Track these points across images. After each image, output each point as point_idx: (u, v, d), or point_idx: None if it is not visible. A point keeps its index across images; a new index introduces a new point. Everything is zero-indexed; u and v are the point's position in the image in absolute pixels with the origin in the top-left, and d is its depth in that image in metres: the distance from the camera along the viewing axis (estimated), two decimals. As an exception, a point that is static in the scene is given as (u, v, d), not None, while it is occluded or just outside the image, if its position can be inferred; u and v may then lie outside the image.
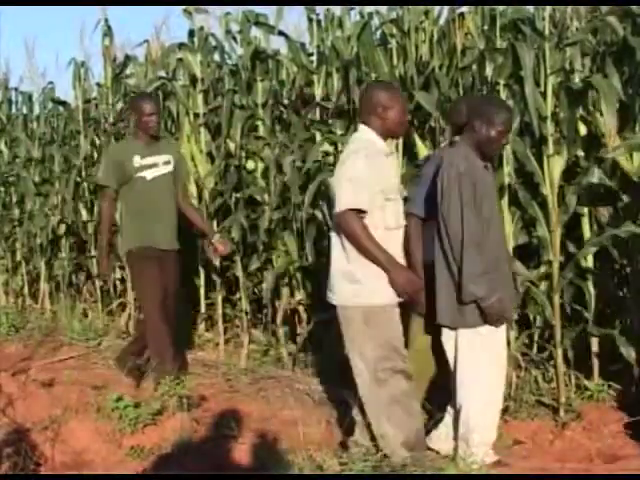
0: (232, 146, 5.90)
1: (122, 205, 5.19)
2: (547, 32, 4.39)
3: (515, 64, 4.50)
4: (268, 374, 5.39)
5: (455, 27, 4.81)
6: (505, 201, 4.45)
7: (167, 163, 4.99)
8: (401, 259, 3.60)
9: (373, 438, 3.57)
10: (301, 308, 5.68)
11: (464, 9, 4.93)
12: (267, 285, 5.67)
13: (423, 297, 3.67)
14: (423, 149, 4.73)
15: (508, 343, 3.99)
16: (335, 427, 4.26)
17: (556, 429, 4.15)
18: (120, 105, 7.14)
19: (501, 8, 4.78)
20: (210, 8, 6.04)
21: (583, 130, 4.48)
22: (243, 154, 5.87)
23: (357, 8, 5.45)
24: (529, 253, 4.61)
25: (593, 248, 4.33)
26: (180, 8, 6.05)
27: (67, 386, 5.13)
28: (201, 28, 6.09)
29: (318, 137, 5.45)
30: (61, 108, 7.86)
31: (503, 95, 4.47)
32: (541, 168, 4.42)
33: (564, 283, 4.40)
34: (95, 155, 7.38)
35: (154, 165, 4.93)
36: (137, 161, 4.88)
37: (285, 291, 5.75)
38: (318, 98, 5.47)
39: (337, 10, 5.48)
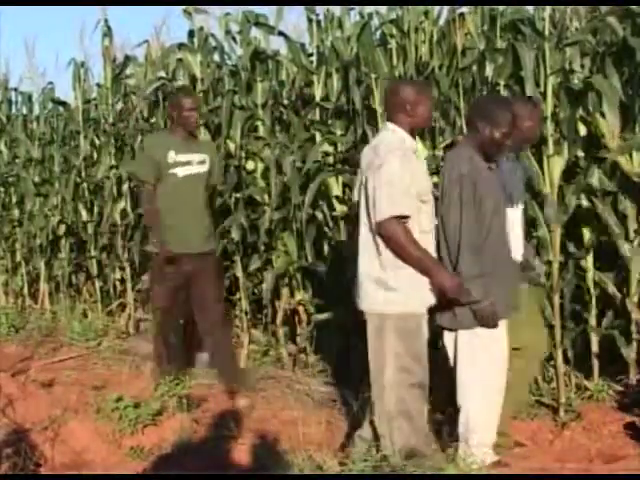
0: (232, 146, 5.89)
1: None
2: (547, 32, 4.39)
3: (515, 64, 4.50)
4: (268, 374, 5.39)
5: (455, 27, 4.81)
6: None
7: (202, 163, 4.82)
8: None
9: (376, 436, 3.56)
10: (301, 308, 5.68)
11: (464, 9, 4.93)
12: (267, 285, 5.66)
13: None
14: (423, 149, 4.73)
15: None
16: (335, 427, 4.26)
17: (556, 429, 4.15)
18: (120, 105, 7.15)
19: (501, 8, 4.78)
20: (210, 8, 6.04)
21: (583, 130, 4.48)
22: (243, 154, 5.86)
23: (357, 8, 5.44)
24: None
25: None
26: (180, 8, 6.05)
27: (67, 386, 5.14)
28: (201, 28, 6.09)
29: (318, 137, 5.45)
30: (61, 108, 7.85)
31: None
32: (541, 168, 4.43)
33: (564, 283, 4.40)
34: (95, 155, 7.39)
35: (188, 163, 4.76)
36: (171, 156, 4.71)
37: (285, 291, 5.75)
38: (318, 98, 5.47)
39: (337, 10, 5.47)
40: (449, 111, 4.79)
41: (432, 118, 3.79)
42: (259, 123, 5.83)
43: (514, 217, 3.81)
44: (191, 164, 4.75)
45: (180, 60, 6.22)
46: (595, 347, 4.48)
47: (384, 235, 3.38)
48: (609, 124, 4.25)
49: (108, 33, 6.89)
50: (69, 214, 7.58)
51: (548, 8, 4.43)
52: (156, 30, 6.55)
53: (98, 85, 7.27)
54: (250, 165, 5.88)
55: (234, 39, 6.08)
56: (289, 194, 5.50)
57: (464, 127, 4.16)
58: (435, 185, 3.76)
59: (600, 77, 4.28)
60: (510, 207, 3.76)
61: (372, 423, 3.58)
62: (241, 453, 3.89)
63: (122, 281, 7.12)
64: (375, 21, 5.42)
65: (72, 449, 3.99)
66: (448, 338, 3.62)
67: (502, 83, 4.56)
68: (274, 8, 5.75)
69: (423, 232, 3.44)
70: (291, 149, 5.55)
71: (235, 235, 5.74)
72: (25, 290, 8.32)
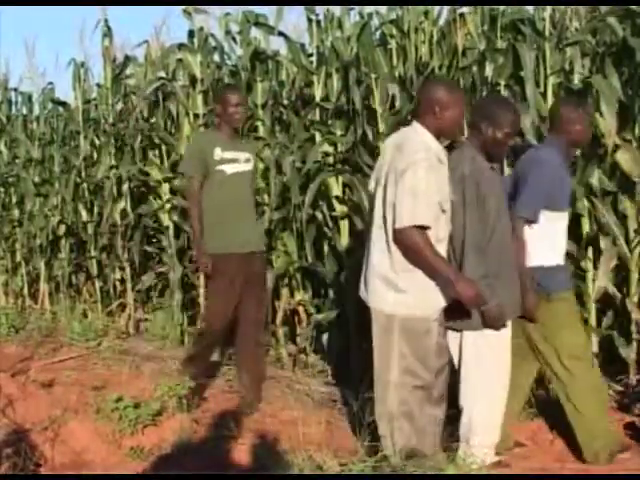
0: (232, 146, 5.89)
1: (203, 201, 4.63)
2: (547, 32, 4.40)
3: (515, 64, 4.51)
4: (268, 374, 5.39)
5: (455, 27, 4.81)
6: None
7: (248, 161, 4.66)
8: None
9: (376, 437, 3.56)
10: (301, 308, 5.68)
11: (464, 9, 4.93)
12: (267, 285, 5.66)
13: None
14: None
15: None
16: (335, 427, 4.27)
17: (556, 429, 4.15)
18: (120, 105, 7.15)
19: (501, 8, 4.79)
20: (210, 8, 6.05)
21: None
22: (243, 154, 5.86)
23: (357, 8, 5.45)
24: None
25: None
26: (180, 8, 6.06)
27: (67, 387, 5.14)
28: (201, 29, 6.09)
29: (318, 138, 5.45)
30: (61, 109, 7.86)
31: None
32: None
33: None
34: (95, 156, 7.39)
35: (234, 160, 4.59)
36: (218, 153, 4.53)
37: (285, 291, 5.75)
38: (318, 99, 5.47)
39: (337, 11, 5.48)
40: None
41: (461, 128, 3.54)
42: (259, 123, 5.84)
43: (564, 221, 3.80)
44: (238, 162, 4.60)
45: (180, 60, 6.22)
46: (595, 347, 4.48)
47: (403, 242, 3.32)
48: (607, 124, 4.24)
49: (108, 33, 6.89)
50: (69, 214, 7.58)
51: (548, 8, 4.44)
52: (156, 30, 6.56)
53: (98, 85, 7.28)
54: (250, 165, 5.88)
55: (234, 39, 6.09)
56: (289, 194, 5.50)
57: (465, 127, 4.15)
58: None
59: (599, 77, 4.28)
60: (562, 211, 3.76)
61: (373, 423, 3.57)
62: (241, 453, 3.88)
63: (122, 281, 7.12)
64: (375, 21, 5.44)
65: (72, 449, 3.99)
66: (452, 339, 3.61)
67: (502, 83, 4.56)
68: (274, 8, 5.76)
69: (439, 240, 3.38)
70: (291, 149, 5.56)
71: (235, 235, 5.73)
72: (25, 290, 8.32)
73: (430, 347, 3.43)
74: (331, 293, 5.44)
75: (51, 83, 7.93)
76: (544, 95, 4.48)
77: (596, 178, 4.39)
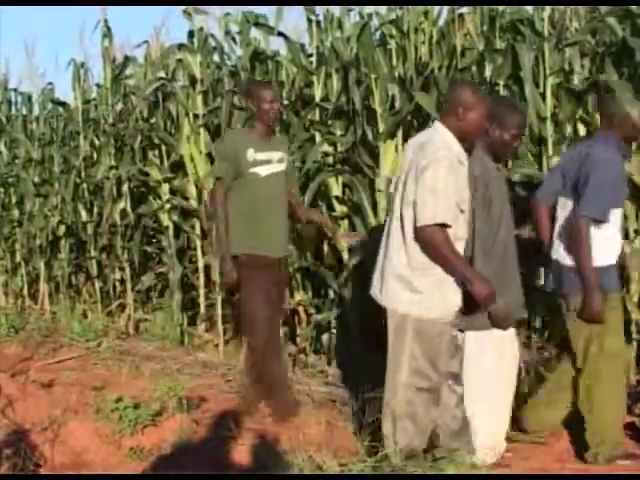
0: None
1: (230, 203, 4.40)
2: (546, 33, 4.40)
3: (514, 65, 4.51)
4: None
5: (454, 28, 4.81)
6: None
7: (281, 161, 4.48)
8: None
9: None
10: (301, 308, 5.68)
11: (464, 10, 4.94)
12: (267, 286, 5.65)
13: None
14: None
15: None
16: (335, 427, 4.26)
17: (556, 429, 4.14)
18: (120, 106, 7.15)
19: (500, 9, 4.79)
20: (210, 9, 6.04)
21: (583, 130, 4.49)
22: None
23: (356, 9, 5.45)
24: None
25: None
26: (180, 9, 6.05)
27: (67, 387, 5.14)
28: (201, 29, 6.09)
29: (318, 138, 5.45)
30: (60, 109, 7.85)
31: (503, 96, 4.47)
32: (541, 168, 4.43)
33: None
34: (95, 156, 7.39)
35: (268, 161, 4.40)
36: (251, 155, 4.34)
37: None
38: (318, 99, 5.47)
39: (336, 11, 5.47)
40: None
41: (483, 132, 3.51)
42: (259, 123, 5.83)
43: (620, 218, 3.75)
44: (271, 162, 4.42)
45: (180, 60, 6.22)
46: (595, 347, 4.47)
47: (423, 240, 3.31)
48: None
49: (108, 33, 6.89)
50: (69, 214, 7.58)
51: (547, 8, 4.44)
52: (156, 30, 6.55)
53: (98, 85, 7.27)
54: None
55: (234, 39, 6.09)
56: (289, 194, 5.50)
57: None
58: None
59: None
60: (621, 207, 3.71)
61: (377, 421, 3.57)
62: (241, 453, 3.89)
63: (122, 281, 7.12)
64: (375, 21, 5.43)
65: (72, 449, 3.99)
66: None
67: (501, 83, 4.57)
68: (274, 8, 5.76)
69: (457, 239, 3.37)
70: (291, 149, 5.56)
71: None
72: (25, 291, 8.32)
73: (441, 349, 3.43)
74: (331, 293, 5.44)
75: (51, 83, 7.94)
76: (543, 95, 4.48)
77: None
